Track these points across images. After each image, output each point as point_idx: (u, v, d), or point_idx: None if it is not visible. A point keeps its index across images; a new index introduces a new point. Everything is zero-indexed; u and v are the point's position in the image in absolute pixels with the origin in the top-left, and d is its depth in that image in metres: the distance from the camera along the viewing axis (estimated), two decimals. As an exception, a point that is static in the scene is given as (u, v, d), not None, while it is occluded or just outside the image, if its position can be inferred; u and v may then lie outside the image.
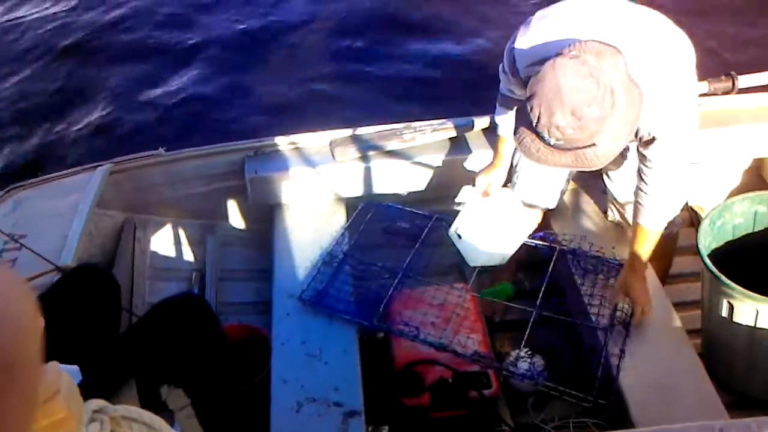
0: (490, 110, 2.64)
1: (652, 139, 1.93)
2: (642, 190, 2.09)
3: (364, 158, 2.80)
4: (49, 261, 2.22)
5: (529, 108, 1.73)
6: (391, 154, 2.81)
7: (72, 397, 0.74)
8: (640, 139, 1.96)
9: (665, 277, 2.66)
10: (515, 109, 2.23)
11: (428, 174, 2.84)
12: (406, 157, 2.82)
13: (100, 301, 1.84)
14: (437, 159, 2.81)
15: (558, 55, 1.74)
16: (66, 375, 0.73)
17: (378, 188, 2.85)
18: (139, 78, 4.92)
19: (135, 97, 4.73)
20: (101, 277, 1.90)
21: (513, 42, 2.04)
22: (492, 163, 2.50)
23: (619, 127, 1.76)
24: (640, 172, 2.08)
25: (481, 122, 2.83)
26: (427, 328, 2.41)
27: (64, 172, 2.76)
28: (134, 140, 4.06)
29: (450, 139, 2.84)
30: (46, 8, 5.74)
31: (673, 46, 1.94)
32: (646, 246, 2.20)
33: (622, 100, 1.74)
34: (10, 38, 5.45)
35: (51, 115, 4.65)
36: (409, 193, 2.90)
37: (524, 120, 1.79)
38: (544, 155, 1.81)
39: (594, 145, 1.75)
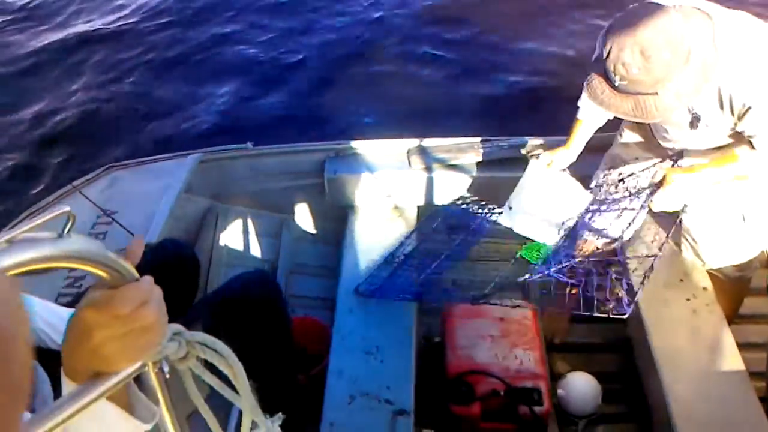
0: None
1: (747, 110, 1.88)
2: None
3: (439, 168, 2.87)
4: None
5: (602, 42, 1.76)
6: (466, 166, 2.87)
7: (161, 309, 0.84)
8: (738, 115, 1.92)
9: (734, 316, 2.61)
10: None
11: (503, 188, 2.86)
12: (481, 170, 2.87)
13: (181, 271, 1.97)
14: (513, 174, 2.83)
15: None
16: (158, 289, 0.83)
17: (450, 198, 2.91)
18: (237, 83, 5.19)
19: (230, 97, 4.99)
20: (184, 251, 2.04)
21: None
22: (564, 143, 2.44)
23: (687, 85, 1.76)
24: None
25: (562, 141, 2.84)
26: (486, 340, 2.45)
27: (159, 156, 2.94)
28: (225, 133, 4.29)
29: (528, 155, 2.87)
30: (161, 19, 6.11)
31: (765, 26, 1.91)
32: (721, 167, 2.04)
33: (698, 60, 1.73)
34: (122, 43, 5.84)
35: (154, 107, 4.96)
36: (481, 205, 2.95)
37: (597, 64, 1.82)
38: (607, 98, 1.84)
39: (656, 94, 1.76)
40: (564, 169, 2.44)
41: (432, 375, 2.42)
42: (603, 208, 2.35)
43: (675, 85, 1.76)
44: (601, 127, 2.41)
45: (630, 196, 2.27)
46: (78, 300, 1.55)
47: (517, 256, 2.45)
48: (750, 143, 1.99)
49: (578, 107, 2.40)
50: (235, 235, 2.99)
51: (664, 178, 2.07)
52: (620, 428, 2.47)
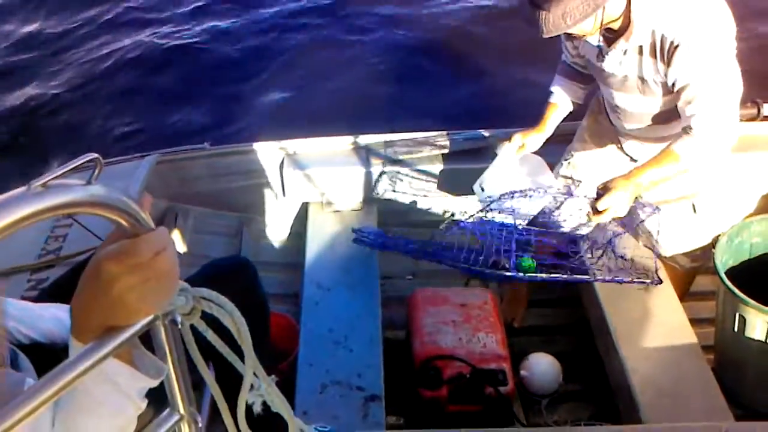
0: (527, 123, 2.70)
1: (676, 47, 1.97)
2: (684, 124, 2.09)
3: (397, 162, 2.92)
4: (98, 237, 2.37)
5: None
6: (425, 159, 2.93)
7: (175, 258, 0.85)
8: (666, 56, 2.01)
9: (684, 295, 2.73)
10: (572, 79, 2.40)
11: (460, 180, 2.94)
12: (438, 162, 2.94)
13: None
14: (469, 166, 2.91)
15: None
16: (172, 240, 0.86)
17: (409, 191, 2.97)
18: (190, 80, 5.18)
19: (185, 96, 4.98)
20: None
21: None
22: (535, 126, 2.48)
23: (575, 6, 1.91)
24: (680, 110, 2.10)
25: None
26: (450, 325, 2.52)
27: (115, 159, 2.92)
28: (181, 134, 4.27)
29: (482, 147, 2.95)
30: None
31: None
32: (660, 169, 2.11)
33: None
34: (70, 43, 5.74)
35: (107, 107, 4.92)
36: (440, 197, 3.02)
37: None
38: (528, 7, 1.99)
39: (548, 11, 1.92)
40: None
41: (399, 363, 2.47)
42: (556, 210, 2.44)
43: (563, 5, 1.91)
44: (566, 117, 2.50)
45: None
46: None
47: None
48: (687, 128, 2.07)
49: (551, 92, 2.50)
50: (195, 236, 2.98)
51: (607, 186, 2.13)
52: (581, 405, 2.56)
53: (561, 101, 2.49)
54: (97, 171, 0.76)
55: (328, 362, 2.32)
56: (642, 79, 2.14)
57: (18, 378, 1.13)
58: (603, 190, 2.12)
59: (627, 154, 2.47)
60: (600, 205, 2.10)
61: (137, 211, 0.80)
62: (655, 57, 2.05)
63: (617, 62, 2.16)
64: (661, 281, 2.28)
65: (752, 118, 2.85)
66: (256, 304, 2.03)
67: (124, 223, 0.80)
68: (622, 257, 2.40)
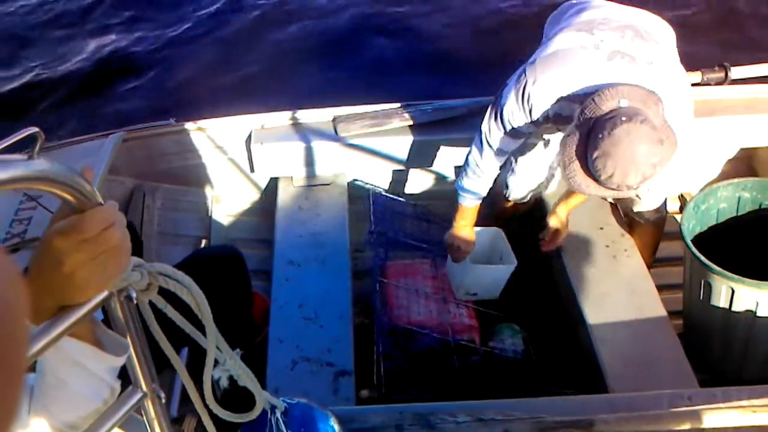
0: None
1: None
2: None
3: (367, 135, 2.90)
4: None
5: (600, 165, 1.82)
6: (393, 131, 2.90)
7: (125, 233, 0.84)
8: None
9: (651, 260, 2.75)
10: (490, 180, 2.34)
11: (429, 152, 2.93)
12: (407, 134, 2.91)
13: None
14: (438, 137, 2.89)
15: (617, 113, 1.80)
16: (121, 215, 0.84)
17: (378, 164, 2.95)
18: (155, 52, 5.09)
19: (150, 70, 4.89)
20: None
21: (522, 90, 2.05)
22: (466, 235, 2.46)
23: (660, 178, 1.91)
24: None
25: (484, 103, 2.91)
26: (421, 297, 2.54)
27: (78, 138, 2.86)
28: (147, 110, 4.20)
29: (451, 118, 2.93)
30: None
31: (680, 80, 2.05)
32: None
33: (668, 154, 1.86)
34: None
35: (68, 85, 4.81)
36: (410, 169, 3.01)
37: (581, 159, 1.87)
38: (592, 190, 1.93)
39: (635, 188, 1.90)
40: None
41: (371, 337, 2.48)
42: None
43: (648, 185, 1.90)
44: None
45: None
46: None
47: None
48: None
49: (463, 196, 2.37)
50: (165, 215, 2.95)
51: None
52: (552, 373, 2.58)
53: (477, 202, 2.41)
54: (38, 145, 0.73)
55: (298, 338, 2.32)
56: None
57: None
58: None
59: None
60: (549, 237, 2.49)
61: (82, 184, 0.78)
62: None
63: None
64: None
65: (720, 82, 2.84)
66: (242, 290, 2.11)
67: (70, 198, 0.78)
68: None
